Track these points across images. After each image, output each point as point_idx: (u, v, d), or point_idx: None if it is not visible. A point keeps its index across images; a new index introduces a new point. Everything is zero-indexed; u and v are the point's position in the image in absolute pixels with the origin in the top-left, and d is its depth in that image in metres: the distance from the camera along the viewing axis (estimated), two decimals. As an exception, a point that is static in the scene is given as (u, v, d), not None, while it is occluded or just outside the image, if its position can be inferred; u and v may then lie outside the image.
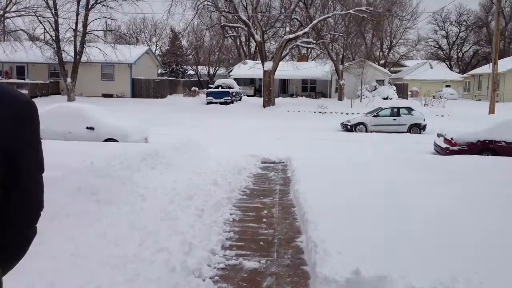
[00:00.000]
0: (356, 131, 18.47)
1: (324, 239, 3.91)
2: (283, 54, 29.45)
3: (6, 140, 1.08)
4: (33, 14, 25.55)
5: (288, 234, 4.89)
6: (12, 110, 1.09)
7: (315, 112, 25.29)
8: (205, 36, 44.62)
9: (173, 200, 5.73)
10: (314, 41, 28.85)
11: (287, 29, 27.26)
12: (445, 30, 56.02)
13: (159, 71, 43.05)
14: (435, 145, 12.17)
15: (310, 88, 38.95)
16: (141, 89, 32.60)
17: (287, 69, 34.35)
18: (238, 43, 47.94)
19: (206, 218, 5.20)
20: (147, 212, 5.11)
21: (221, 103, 27.26)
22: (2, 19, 25.78)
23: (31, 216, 1.23)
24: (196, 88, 36.99)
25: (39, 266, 3.49)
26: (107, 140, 10.85)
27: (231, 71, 39.94)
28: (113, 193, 5.56)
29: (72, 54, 27.14)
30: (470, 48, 55.83)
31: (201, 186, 6.90)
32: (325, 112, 25.16)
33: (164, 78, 37.44)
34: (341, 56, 31.90)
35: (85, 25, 26.84)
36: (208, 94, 28.40)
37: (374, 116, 18.77)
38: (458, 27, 55.26)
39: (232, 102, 28.05)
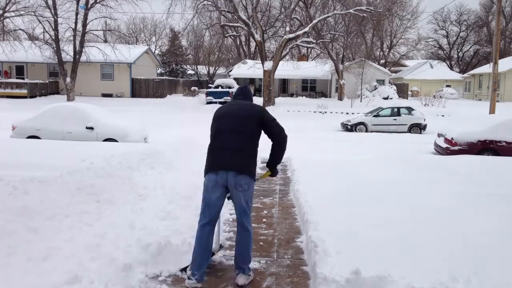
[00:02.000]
0: (356, 131, 18.47)
1: (324, 239, 3.91)
2: (283, 54, 29.41)
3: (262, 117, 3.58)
4: (33, 13, 25.57)
5: (288, 234, 4.89)
6: (258, 110, 3.66)
7: (315, 112, 25.27)
8: (205, 36, 44.56)
9: (172, 200, 5.72)
10: (314, 41, 28.83)
11: (287, 28, 27.24)
12: (445, 30, 56.00)
13: (158, 71, 43.03)
14: (436, 145, 12.17)
15: (310, 88, 38.93)
16: (140, 89, 32.58)
17: (287, 69, 34.32)
18: (238, 43, 47.91)
19: (206, 218, 5.18)
20: (147, 212, 5.10)
21: (221, 103, 27.21)
22: (2, 18, 25.79)
23: (282, 133, 3.64)
24: (196, 88, 37.00)
25: (39, 267, 3.49)
26: (106, 140, 10.85)
27: (231, 70, 39.92)
28: (113, 193, 5.55)
29: (72, 53, 27.13)
30: (470, 47, 55.79)
31: (201, 186, 6.88)
32: (325, 112, 25.15)
33: (164, 77, 37.42)
34: (341, 55, 31.88)
35: (84, 25, 26.84)
36: (208, 94, 28.39)
37: (374, 116, 18.76)
38: (459, 27, 55.24)
39: (232, 102, 28.03)
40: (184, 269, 3.67)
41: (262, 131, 3.67)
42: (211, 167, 3.54)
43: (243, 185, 3.45)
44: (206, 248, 3.53)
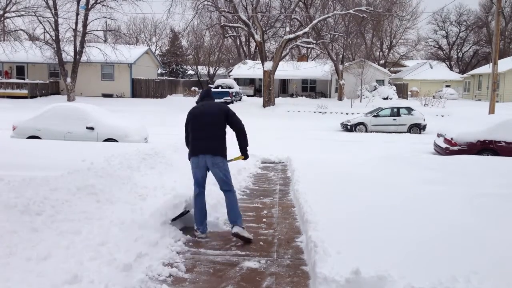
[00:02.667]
0: (356, 131, 18.48)
1: (324, 239, 3.91)
2: (283, 54, 29.41)
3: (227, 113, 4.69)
4: (33, 14, 25.54)
5: (288, 234, 4.89)
6: (223, 108, 4.77)
7: (315, 112, 25.28)
8: (205, 36, 44.62)
9: (173, 200, 5.72)
10: (314, 41, 28.84)
11: (287, 29, 27.24)
12: (445, 30, 55.98)
13: (159, 71, 43.02)
14: (435, 145, 12.18)
15: (310, 88, 38.95)
16: (141, 89, 32.60)
17: (287, 69, 34.33)
18: (238, 43, 47.92)
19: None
20: (147, 212, 5.11)
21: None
22: (2, 19, 25.77)
23: (241, 124, 4.70)
24: (196, 88, 37.01)
25: (39, 267, 3.49)
26: (107, 140, 10.86)
27: (231, 71, 39.93)
28: (113, 193, 5.55)
29: (72, 54, 27.13)
30: (470, 48, 55.77)
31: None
32: (325, 112, 25.16)
33: (164, 78, 37.42)
34: (341, 56, 31.88)
35: (85, 25, 26.84)
36: (208, 94, 28.36)
37: (374, 116, 18.77)
38: (458, 27, 55.20)
39: (232, 102, 28.04)
40: (174, 219, 4.85)
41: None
42: (193, 153, 4.69)
43: (219, 163, 4.61)
44: (202, 210, 4.78)
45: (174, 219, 4.81)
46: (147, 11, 75.32)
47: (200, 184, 4.72)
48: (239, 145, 4.82)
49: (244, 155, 4.90)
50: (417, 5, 53.89)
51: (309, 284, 3.61)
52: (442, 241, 4.02)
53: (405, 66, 53.85)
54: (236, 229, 4.52)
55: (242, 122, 4.79)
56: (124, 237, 4.24)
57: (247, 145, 4.84)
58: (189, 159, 4.74)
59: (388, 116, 18.64)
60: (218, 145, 4.62)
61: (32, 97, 28.69)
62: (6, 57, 26.67)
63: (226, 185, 4.67)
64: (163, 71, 45.72)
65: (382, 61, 46.67)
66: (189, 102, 29.61)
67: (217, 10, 28.42)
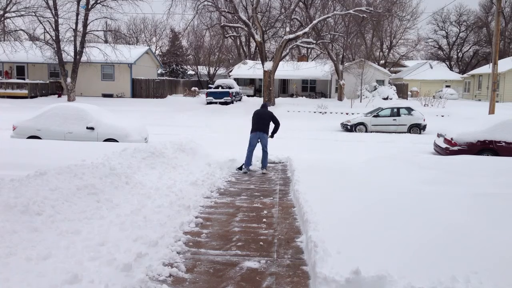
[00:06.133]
0: (356, 131, 18.48)
1: (324, 239, 3.91)
2: (283, 54, 29.39)
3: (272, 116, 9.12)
4: (33, 14, 25.54)
5: (288, 234, 4.89)
6: (271, 113, 9.20)
7: (315, 112, 25.28)
8: (205, 36, 44.60)
9: (173, 200, 5.73)
10: (314, 41, 28.83)
11: (287, 29, 27.23)
12: (445, 30, 55.93)
13: (159, 71, 43.00)
14: (435, 145, 12.18)
15: (310, 88, 38.93)
16: (141, 89, 32.59)
17: (287, 69, 34.32)
18: (238, 43, 47.90)
19: (206, 218, 5.19)
20: (147, 212, 5.11)
21: (221, 103, 27.24)
22: (2, 19, 25.78)
23: (278, 122, 9.19)
24: (196, 88, 36.95)
25: (39, 266, 3.50)
26: (107, 140, 10.86)
27: (231, 71, 39.91)
28: (113, 192, 5.56)
29: (72, 54, 27.13)
30: (470, 48, 55.72)
31: (200, 185, 6.90)
32: (325, 112, 25.16)
33: (164, 78, 37.38)
34: (341, 56, 31.87)
35: (85, 25, 26.84)
36: (208, 94, 28.39)
37: (374, 116, 18.77)
38: (458, 27, 55.15)
39: (232, 102, 28.03)
40: (239, 168, 8.73)
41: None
42: (253, 130, 8.80)
43: (265, 136, 8.79)
44: (249, 159, 8.69)
45: (238, 168, 8.65)
46: (147, 11, 75.32)
47: (253, 146, 8.69)
48: (272, 130, 9.03)
49: (272, 136, 9.07)
50: (417, 5, 53.74)
51: (309, 284, 3.62)
52: (442, 241, 4.02)
53: (405, 66, 53.83)
54: (264, 170, 8.64)
55: (279, 122, 9.06)
56: (124, 237, 4.24)
57: (276, 132, 9.10)
58: (250, 133, 8.77)
59: (388, 116, 18.64)
60: (266, 129, 8.78)
61: (32, 97, 28.69)
62: (6, 57, 26.66)
63: (265, 147, 8.78)
64: (163, 71, 45.70)
65: (382, 61, 46.62)
66: (190, 103, 29.63)
67: (217, 10, 28.41)
